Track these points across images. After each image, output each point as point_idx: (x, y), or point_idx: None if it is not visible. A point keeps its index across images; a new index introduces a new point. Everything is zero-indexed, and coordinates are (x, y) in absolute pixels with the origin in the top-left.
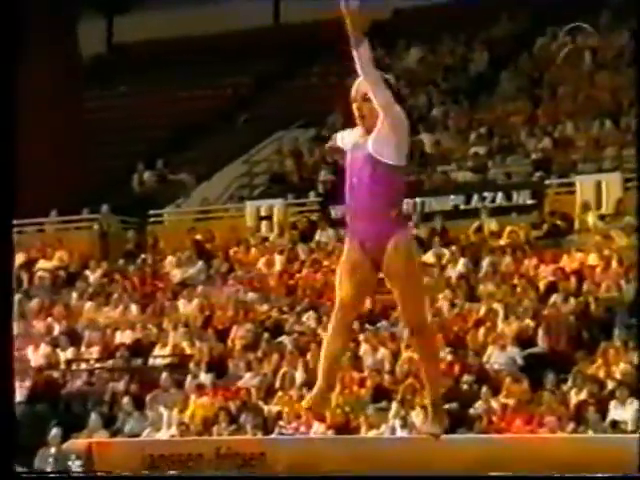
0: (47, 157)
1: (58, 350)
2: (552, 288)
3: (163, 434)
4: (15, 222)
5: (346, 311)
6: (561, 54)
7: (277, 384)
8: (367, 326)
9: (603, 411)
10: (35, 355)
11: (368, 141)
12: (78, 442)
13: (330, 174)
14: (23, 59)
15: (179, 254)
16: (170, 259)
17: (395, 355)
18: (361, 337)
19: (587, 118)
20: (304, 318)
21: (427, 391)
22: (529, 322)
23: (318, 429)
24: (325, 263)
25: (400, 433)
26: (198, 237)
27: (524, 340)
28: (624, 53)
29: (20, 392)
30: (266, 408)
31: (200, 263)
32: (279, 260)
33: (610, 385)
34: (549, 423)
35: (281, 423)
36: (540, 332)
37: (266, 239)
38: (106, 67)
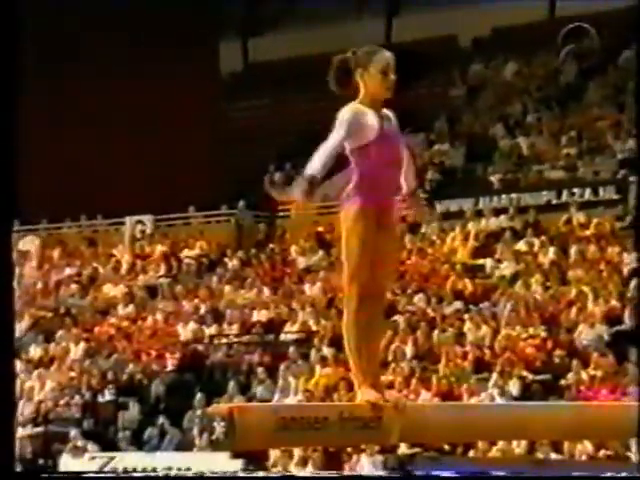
0: (190, 159)
1: (203, 327)
2: (635, 273)
3: (291, 400)
4: (162, 217)
5: None
6: None
7: (390, 357)
8: (471, 307)
9: None
10: (184, 330)
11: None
12: (221, 406)
13: (436, 174)
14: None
15: (303, 244)
16: (295, 248)
17: (495, 332)
18: (465, 316)
19: None
20: (415, 299)
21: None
22: (615, 303)
23: (425, 397)
24: (429, 251)
25: (498, 400)
26: (320, 229)
27: (611, 319)
28: None
29: (171, 363)
30: (381, 378)
31: (321, 252)
32: None
33: None
34: (632, 393)
35: (392, 392)
36: (627, 312)
37: None
38: (242, 83)
